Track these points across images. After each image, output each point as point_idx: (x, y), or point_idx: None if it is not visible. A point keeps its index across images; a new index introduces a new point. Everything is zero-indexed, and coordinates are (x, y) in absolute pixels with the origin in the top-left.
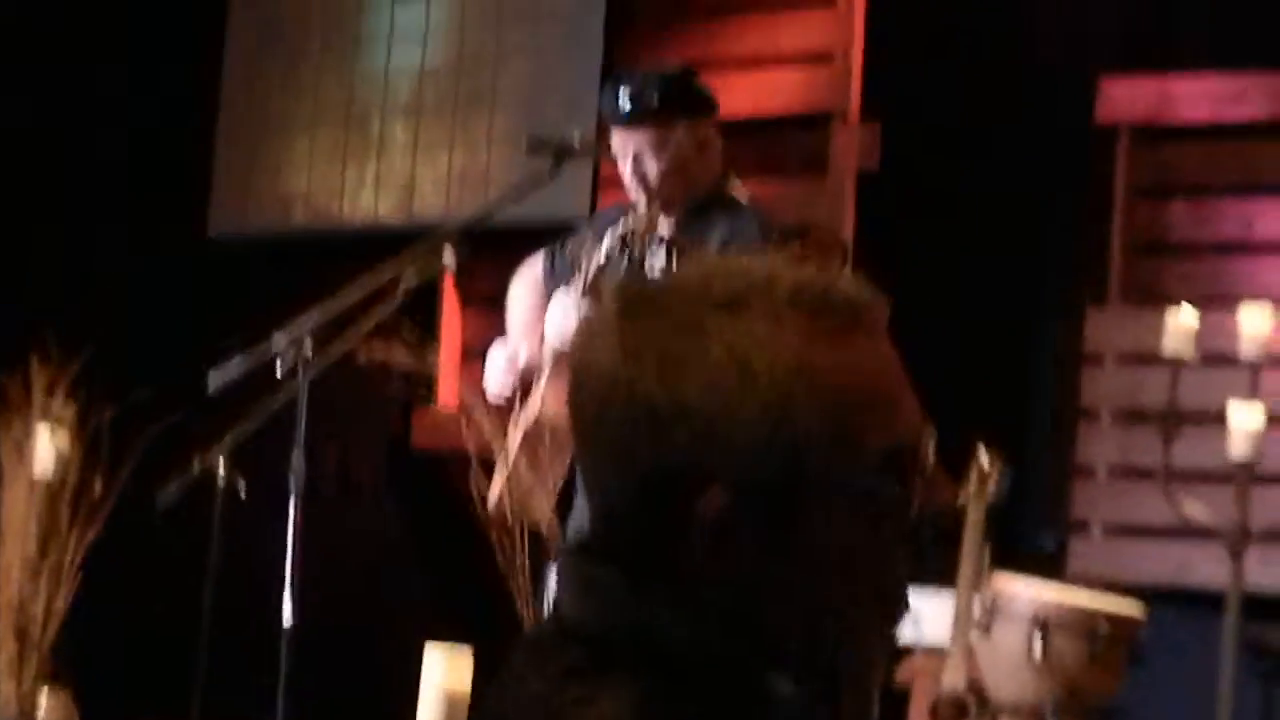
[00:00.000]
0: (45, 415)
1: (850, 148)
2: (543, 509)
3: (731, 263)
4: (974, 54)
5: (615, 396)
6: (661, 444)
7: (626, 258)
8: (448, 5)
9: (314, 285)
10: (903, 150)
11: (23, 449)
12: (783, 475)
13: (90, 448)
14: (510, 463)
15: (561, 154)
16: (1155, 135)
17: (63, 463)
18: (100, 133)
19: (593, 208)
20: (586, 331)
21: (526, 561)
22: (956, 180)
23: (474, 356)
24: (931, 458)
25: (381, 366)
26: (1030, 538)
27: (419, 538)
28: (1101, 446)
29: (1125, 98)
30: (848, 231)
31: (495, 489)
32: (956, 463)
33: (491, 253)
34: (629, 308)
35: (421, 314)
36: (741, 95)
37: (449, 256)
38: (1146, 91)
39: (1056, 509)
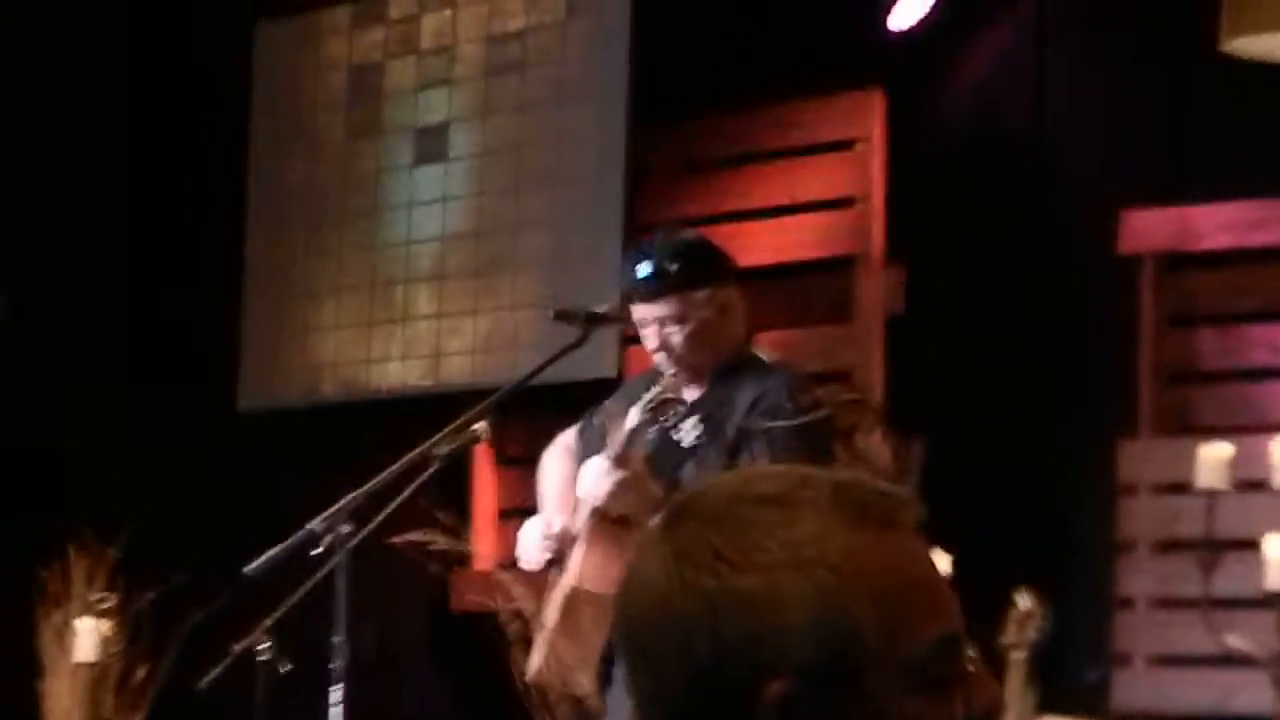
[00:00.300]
0: (85, 604)
1: (876, 291)
2: (583, 679)
3: (767, 467)
4: (995, 193)
5: (671, 600)
6: (721, 638)
7: (656, 426)
8: (466, 172)
9: (346, 454)
10: (928, 291)
11: (64, 638)
12: (841, 662)
13: (132, 633)
14: (548, 633)
15: (589, 323)
16: (1179, 263)
17: (105, 649)
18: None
19: (620, 367)
20: (635, 552)
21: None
22: (983, 318)
23: (507, 517)
24: (973, 653)
25: (418, 550)
26: (1074, 672)
27: (462, 702)
28: (1140, 578)
29: (1147, 228)
30: (876, 375)
31: (535, 659)
32: (996, 604)
33: (520, 413)
34: (672, 519)
35: (453, 480)
36: (764, 243)
37: (481, 429)
38: (1168, 221)
39: (1099, 642)
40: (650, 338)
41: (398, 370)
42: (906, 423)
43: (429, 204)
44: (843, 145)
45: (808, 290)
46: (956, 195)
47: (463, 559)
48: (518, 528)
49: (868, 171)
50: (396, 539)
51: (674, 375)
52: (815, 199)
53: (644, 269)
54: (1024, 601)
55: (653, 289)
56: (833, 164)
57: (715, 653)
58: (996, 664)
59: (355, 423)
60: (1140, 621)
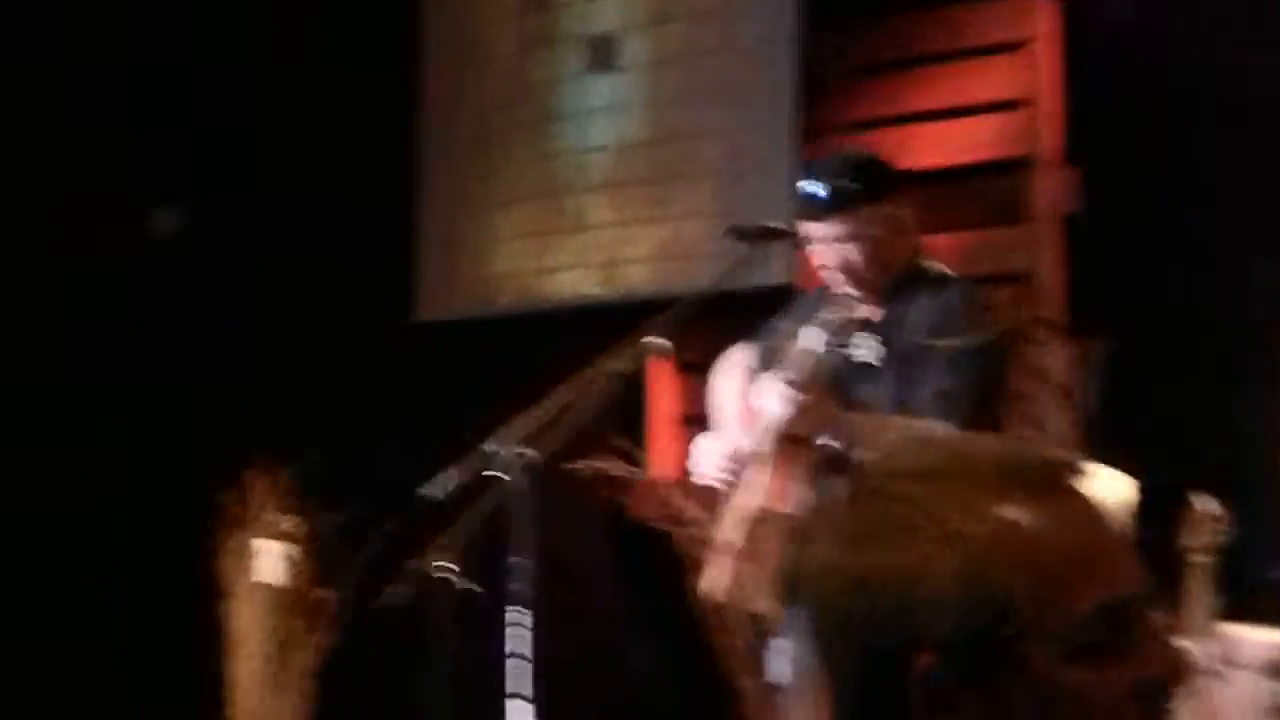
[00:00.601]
0: (265, 527)
1: (1050, 192)
2: (764, 599)
3: (930, 435)
4: (1178, 89)
5: (828, 580)
6: (873, 611)
7: (832, 346)
8: (638, 80)
9: (523, 365)
10: (1106, 191)
11: (245, 561)
12: (990, 635)
13: (312, 555)
14: (731, 553)
15: (763, 238)
16: None
17: (287, 571)
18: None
19: (792, 274)
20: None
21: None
22: (1162, 218)
23: (684, 424)
24: (1154, 618)
25: (594, 475)
26: (1258, 569)
27: (641, 614)
28: None
29: None
30: (1053, 277)
31: (717, 579)
32: (1177, 506)
33: (695, 320)
34: (854, 496)
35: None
36: (935, 146)
37: (657, 343)
38: None
39: None
40: (821, 255)
41: (573, 280)
42: (1084, 326)
43: (601, 113)
44: (1013, 46)
45: (981, 192)
46: (1134, 95)
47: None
48: (694, 434)
49: (1039, 72)
50: (571, 464)
51: (847, 294)
52: (987, 100)
53: (815, 187)
54: (1203, 503)
55: (824, 207)
56: (1003, 65)
57: (869, 625)
58: (1177, 567)
59: (532, 333)
60: None
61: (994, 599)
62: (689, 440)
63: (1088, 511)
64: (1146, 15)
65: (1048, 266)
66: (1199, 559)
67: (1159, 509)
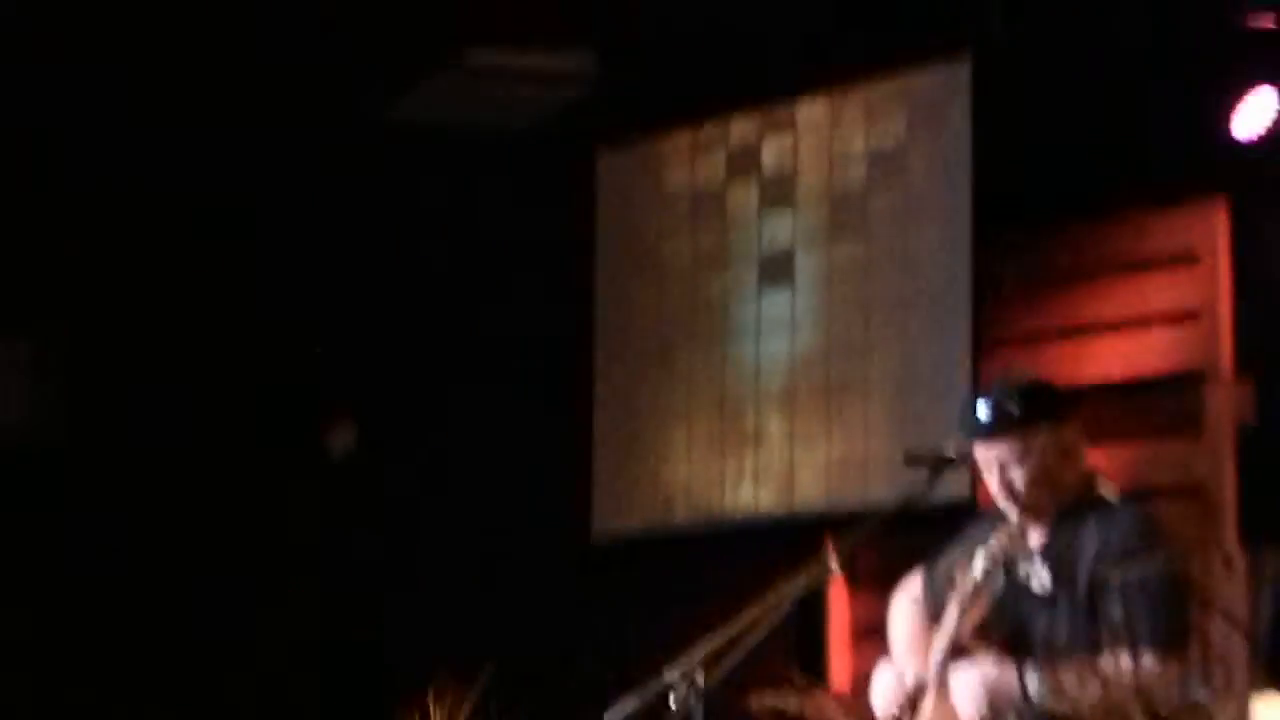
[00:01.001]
0: None
1: (1225, 404)
2: None
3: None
4: None
5: None
6: None
7: (1003, 573)
8: (814, 293)
9: (700, 583)
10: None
11: None
12: None
13: None
14: None
15: (939, 465)
16: None
17: None
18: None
19: (973, 492)
20: None
21: None
22: None
23: (861, 637)
24: None
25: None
26: None
27: None
28: None
29: None
30: (1228, 489)
31: None
32: None
33: (874, 526)
34: None
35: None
36: (1112, 357)
37: (834, 563)
38: None
39: None
40: (992, 479)
41: (749, 495)
42: (1260, 536)
43: (776, 328)
44: (1189, 257)
45: (1156, 404)
46: None
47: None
48: (871, 648)
49: (1214, 283)
50: (751, 700)
51: (1018, 519)
52: (1162, 311)
53: (984, 410)
54: None
55: (992, 429)
56: (1179, 276)
57: None
58: None
59: (708, 548)
60: None
61: None
62: (867, 655)
63: None
64: None
65: (1222, 479)
66: None
67: None
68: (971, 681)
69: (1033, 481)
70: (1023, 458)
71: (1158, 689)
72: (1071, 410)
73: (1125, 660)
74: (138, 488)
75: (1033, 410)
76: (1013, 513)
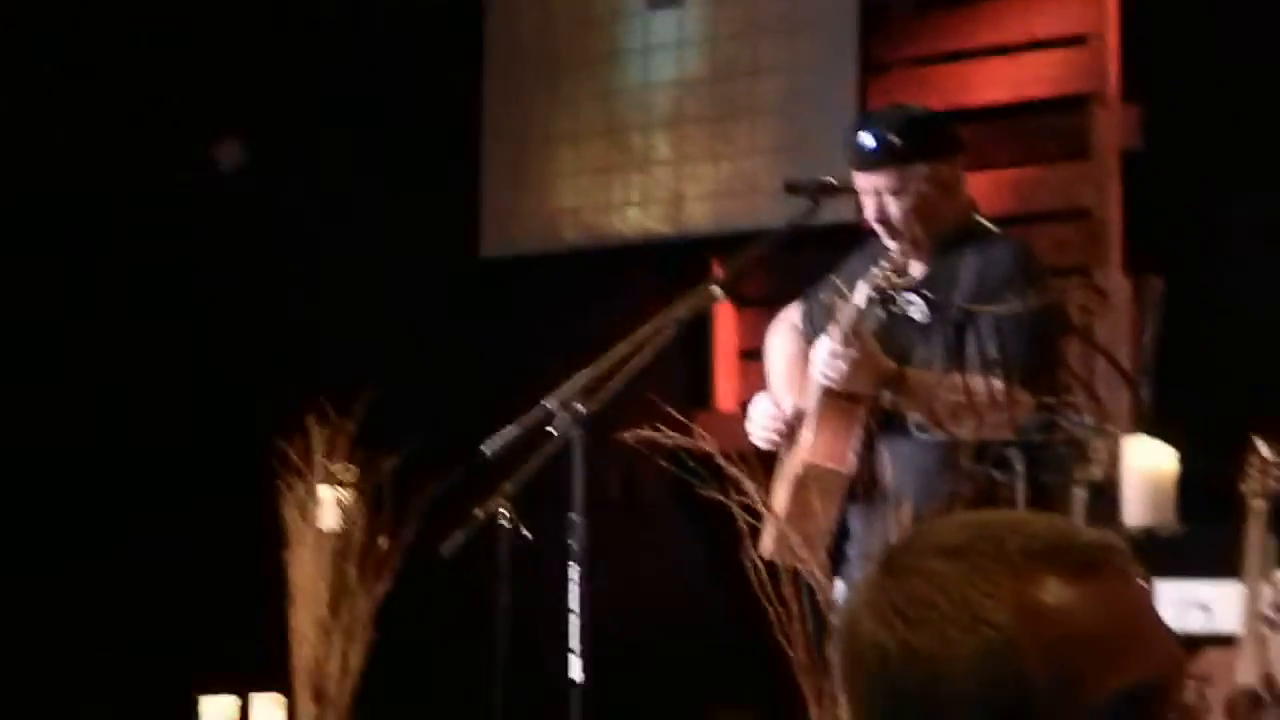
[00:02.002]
0: (326, 474)
1: (1112, 128)
2: (815, 556)
3: (967, 515)
4: (1240, 29)
5: (856, 650)
6: (894, 692)
7: (882, 304)
8: (701, 17)
9: (589, 302)
10: (1166, 128)
11: (307, 511)
12: (1010, 717)
13: (374, 502)
14: (780, 511)
15: (820, 193)
16: None
17: (348, 520)
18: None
19: (859, 216)
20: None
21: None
22: (1223, 153)
23: (747, 357)
24: (1190, 696)
25: (650, 445)
26: None
27: (703, 542)
28: None
29: None
30: (1114, 213)
31: (766, 537)
32: (1239, 444)
33: (758, 253)
34: (881, 566)
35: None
36: (998, 81)
37: (717, 290)
38: None
39: None
40: (870, 208)
41: (638, 216)
42: (1142, 263)
43: (664, 50)
44: None
45: (1043, 128)
46: (1194, 31)
47: (694, 452)
48: (757, 371)
49: (1101, 8)
50: (627, 435)
51: (897, 251)
52: (1050, 36)
53: (865, 138)
54: (1265, 448)
55: (872, 159)
56: (1066, 1)
57: (892, 705)
58: (1239, 508)
59: (597, 269)
60: None
61: (1016, 684)
62: (753, 377)
63: (1126, 594)
64: None
65: (1108, 204)
66: (1258, 504)
67: (1221, 446)
68: (827, 350)
69: (909, 213)
70: (900, 190)
71: (1021, 413)
72: (954, 145)
73: (995, 384)
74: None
75: (913, 143)
76: (890, 243)
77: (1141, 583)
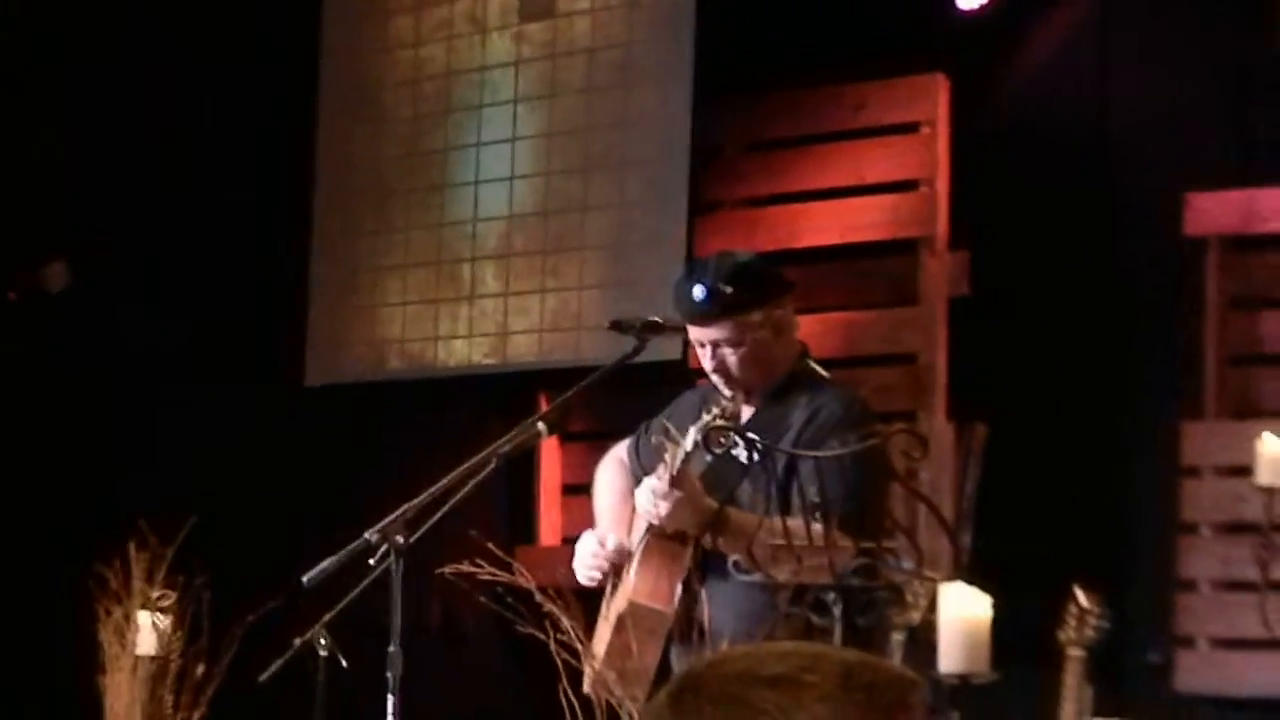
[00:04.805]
0: (145, 599)
1: (940, 274)
2: (633, 693)
3: (780, 645)
4: (1059, 176)
5: None
6: None
7: (708, 448)
8: (532, 153)
9: (412, 432)
10: (992, 275)
11: (125, 635)
12: None
13: (191, 629)
14: (601, 648)
15: (646, 331)
16: (1244, 246)
17: (165, 646)
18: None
19: (685, 354)
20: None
21: None
22: (1047, 301)
23: (571, 492)
24: None
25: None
26: (1137, 654)
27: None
28: (1203, 560)
29: (1212, 211)
30: (940, 359)
31: (588, 675)
32: (1059, 588)
33: (583, 390)
34: (680, 693)
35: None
36: (829, 224)
37: (542, 427)
38: (1233, 204)
39: (1161, 624)
40: (706, 359)
41: (463, 348)
42: (969, 407)
43: (495, 183)
44: (908, 128)
45: (871, 272)
46: (1021, 178)
47: (514, 588)
48: (580, 506)
49: (933, 154)
50: (446, 570)
51: (730, 399)
52: (880, 181)
53: (698, 292)
54: (1082, 598)
55: (708, 312)
56: (898, 146)
57: None
58: (1057, 659)
59: (421, 399)
60: (1203, 604)
61: None
62: (576, 512)
63: None
64: (1034, 100)
65: (934, 349)
66: (1074, 653)
67: (1041, 590)
68: (651, 490)
69: (746, 361)
70: (738, 340)
71: (841, 557)
72: (785, 287)
73: (815, 528)
74: None
75: (747, 292)
76: (725, 391)
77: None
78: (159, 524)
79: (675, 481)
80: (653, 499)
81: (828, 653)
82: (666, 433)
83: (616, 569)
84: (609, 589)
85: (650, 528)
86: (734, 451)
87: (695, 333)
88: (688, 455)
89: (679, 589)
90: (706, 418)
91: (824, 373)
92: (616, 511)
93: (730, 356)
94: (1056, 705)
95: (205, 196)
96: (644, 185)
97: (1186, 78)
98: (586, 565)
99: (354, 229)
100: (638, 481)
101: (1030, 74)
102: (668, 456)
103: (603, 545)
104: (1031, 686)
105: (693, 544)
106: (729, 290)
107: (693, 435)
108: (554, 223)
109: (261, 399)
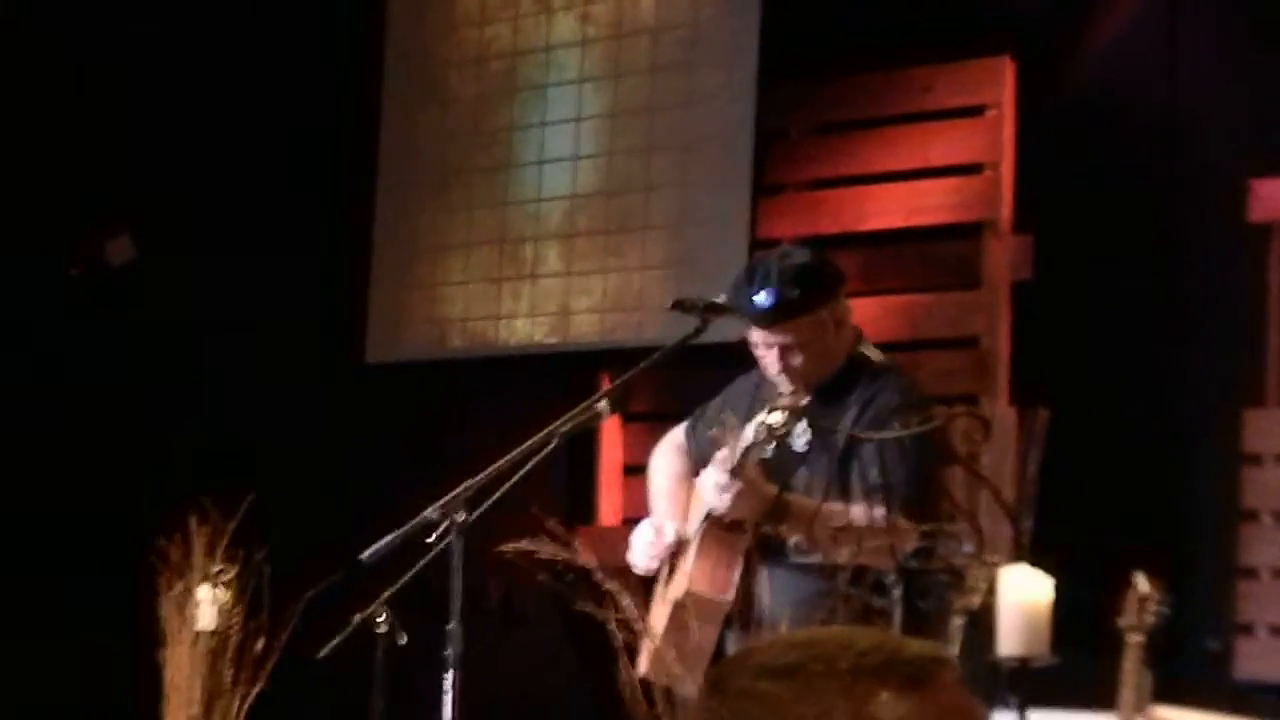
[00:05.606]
0: (205, 574)
1: (1003, 258)
2: (691, 675)
3: (795, 635)
4: (1125, 160)
5: None
6: None
7: (770, 439)
8: (596, 133)
9: (473, 411)
10: (1056, 259)
11: (185, 610)
12: None
13: (250, 604)
14: (657, 637)
15: (707, 312)
16: None
17: (225, 620)
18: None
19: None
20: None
21: None
22: (1110, 286)
23: (631, 473)
24: None
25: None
26: (1196, 642)
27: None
28: (1264, 547)
29: (1277, 198)
30: (1002, 343)
31: (643, 655)
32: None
33: (645, 370)
34: (706, 692)
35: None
36: (892, 207)
37: (603, 407)
38: None
39: (1221, 612)
40: (770, 361)
41: (525, 327)
42: (1030, 392)
43: (559, 162)
44: (974, 111)
45: (935, 256)
46: (1085, 163)
47: (573, 567)
48: (640, 487)
49: (998, 137)
50: (506, 548)
51: (792, 394)
52: (945, 164)
53: (766, 298)
54: (1142, 584)
55: (775, 316)
56: (963, 129)
57: None
58: (1116, 644)
59: (482, 378)
60: (1264, 591)
61: None
62: (637, 493)
63: (955, 704)
64: (1100, 84)
65: (997, 333)
66: (1134, 639)
67: (1102, 577)
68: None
69: (810, 359)
70: (805, 341)
71: (901, 540)
72: (841, 279)
73: (876, 512)
74: None
75: (813, 294)
76: (789, 388)
77: (969, 694)
78: (220, 499)
79: (736, 472)
80: (716, 492)
81: (843, 639)
82: (723, 422)
83: (673, 558)
84: (664, 571)
85: (708, 516)
86: (791, 439)
87: (760, 336)
88: (748, 449)
89: (736, 577)
90: (771, 418)
91: (879, 355)
92: (673, 494)
93: (796, 357)
94: (1115, 691)
95: (268, 173)
96: (708, 166)
97: (1256, 62)
98: (644, 555)
99: (417, 207)
100: (694, 465)
101: (1097, 57)
102: (727, 448)
103: (660, 534)
104: (1090, 672)
105: (750, 532)
106: (796, 294)
107: (753, 431)
108: (617, 203)
109: (324, 376)
